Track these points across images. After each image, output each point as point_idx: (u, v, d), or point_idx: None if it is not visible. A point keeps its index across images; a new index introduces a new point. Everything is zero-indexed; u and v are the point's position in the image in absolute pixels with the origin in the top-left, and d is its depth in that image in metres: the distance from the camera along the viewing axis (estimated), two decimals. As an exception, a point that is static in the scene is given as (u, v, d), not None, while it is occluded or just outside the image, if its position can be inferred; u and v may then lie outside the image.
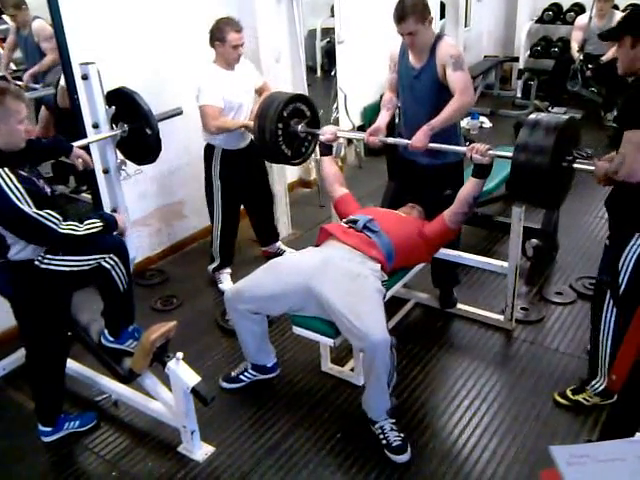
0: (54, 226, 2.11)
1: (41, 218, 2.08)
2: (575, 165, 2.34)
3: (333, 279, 2.45)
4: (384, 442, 2.43)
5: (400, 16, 2.73)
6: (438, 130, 2.75)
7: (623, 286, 2.27)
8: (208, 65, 3.36)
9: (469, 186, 2.69)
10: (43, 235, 2.13)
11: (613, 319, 2.37)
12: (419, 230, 2.78)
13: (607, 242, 2.37)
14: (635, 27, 2.17)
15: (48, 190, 2.26)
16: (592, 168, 2.24)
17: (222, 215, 3.58)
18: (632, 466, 1.11)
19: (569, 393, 2.59)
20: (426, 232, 2.77)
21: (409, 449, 2.41)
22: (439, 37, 2.87)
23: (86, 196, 3.46)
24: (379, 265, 2.59)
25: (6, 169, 2.05)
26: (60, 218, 2.13)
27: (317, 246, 2.77)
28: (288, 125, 3.04)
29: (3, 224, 2.12)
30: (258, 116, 3.02)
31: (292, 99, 3.05)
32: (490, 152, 2.56)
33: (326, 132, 3.03)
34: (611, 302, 2.35)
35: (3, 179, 2.03)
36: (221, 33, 3.23)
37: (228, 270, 3.74)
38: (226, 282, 3.70)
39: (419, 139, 2.76)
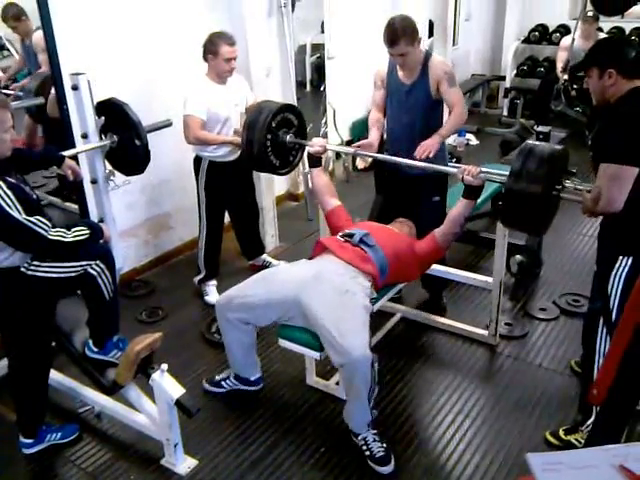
0: (44, 232, 2.10)
1: (31, 224, 2.08)
2: (563, 195, 2.36)
3: (322, 293, 2.45)
4: (367, 453, 2.43)
5: (392, 40, 2.81)
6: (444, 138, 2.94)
7: (614, 312, 2.20)
8: (199, 77, 3.38)
9: (460, 207, 2.71)
10: (32, 241, 2.12)
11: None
12: (411, 247, 2.80)
13: (595, 268, 2.35)
14: (599, 59, 2.21)
15: (34, 195, 2.26)
16: (579, 199, 2.24)
17: (207, 227, 3.60)
18: (605, 474, 1.13)
19: (561, 433, 2.49)
20: (417, 250, 2.79)
21: (393, 460, 2.41)
22: (428, 54, 2.97)
23: (72, 205, 3.44)
24: (370, 283, 2.60)
25: None
26: (49, 224, 2.13)
27: (311, 259, 2.77)
28: (276, 135, 3.05)
29: None
30: (247, 126, 3.02)
31: (281, 109, 3.06)
32: (481, 175, 2.58)
33: (315, 144, 3.04)
34: (604, 331, 2.27)
35: None
36: (214, 46, 3.26)
37: (214, 282, 3.74)
38: (212, 294, 3.69)
39: (429, 144, 2.83)
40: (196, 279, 3.73)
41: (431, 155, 2.84)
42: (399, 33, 2.78)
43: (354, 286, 2.52)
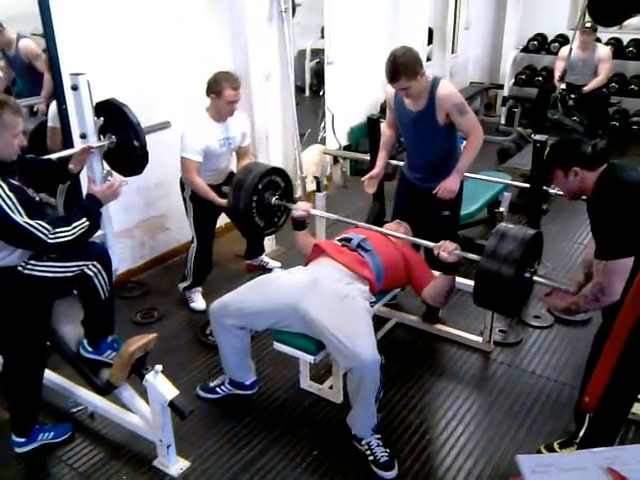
0: (43, 237, 2.11)
1: (31, 228, 2.09)
2: (535, 278, 2.39)
3: (321, 299, 2.45)
4: (371, 458, 2.42)
5: (392, 77, 2.77)
6: (464, 170, 3.02)
7: None
8: (199, 113, 3.35)
9: (440, 281, 2.66)
10: (33, 244, 2.15)
11: None
12: (403, 255, 2.80)
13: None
14: (561, 161, 2.26)
15: (37, 198, 2.27)
16: (552, 284, 2.33)
17: (197, 238, 3.55)
18: (593, 476, 1.15)
19: (556, 446, 2.46)
20: (410, 267, 2.80)
21: (396, 465, 2.42)
22: (435, 82, 2.89)
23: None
24: (367, 287, 2.61)
25: None
26: (50, 228, 2.14)
27: (309, 262, 2.76)
28: (262, 197, 3.00)
29: None
30: (234, 186, 2.98)
31: (269, 172, 3.02)
32: (457, 252, 2.53)
33: (299, 208, 2.95)
34: None
35: None
36: (218, 87, 3.22)
37: (199, 289, 3.69)
38: (198, 301, 3.65)
39: (449, 187, 2.95)
40: (181, 286, 3.67)
41: (452, 196, 2.98)
42: (400, 70, 2.72)
43: (352, 291, 2.53)
